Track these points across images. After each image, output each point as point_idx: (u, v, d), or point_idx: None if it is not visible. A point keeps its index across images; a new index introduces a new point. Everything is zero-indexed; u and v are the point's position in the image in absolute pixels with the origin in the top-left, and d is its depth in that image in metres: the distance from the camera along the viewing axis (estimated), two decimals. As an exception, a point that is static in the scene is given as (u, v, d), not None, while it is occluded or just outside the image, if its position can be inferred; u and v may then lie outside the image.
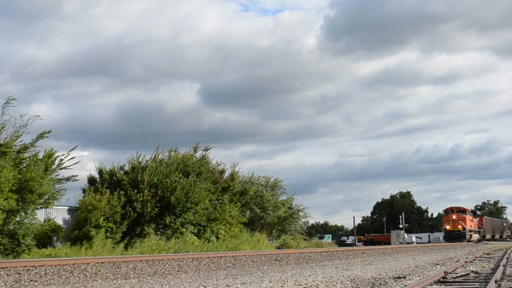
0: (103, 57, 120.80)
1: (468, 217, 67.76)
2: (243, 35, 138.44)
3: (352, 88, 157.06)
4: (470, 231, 67.66)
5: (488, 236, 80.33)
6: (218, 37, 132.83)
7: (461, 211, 67.38)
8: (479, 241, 72.01)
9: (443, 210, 71.55)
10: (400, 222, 74.56)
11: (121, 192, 31.28)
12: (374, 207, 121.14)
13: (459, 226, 64.77)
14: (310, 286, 12.56)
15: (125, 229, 30.82)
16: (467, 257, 26.48)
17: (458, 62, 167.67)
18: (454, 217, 65.83)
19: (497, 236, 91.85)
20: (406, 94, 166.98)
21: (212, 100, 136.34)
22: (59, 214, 30.33)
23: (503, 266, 18.38)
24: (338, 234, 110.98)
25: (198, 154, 40.00)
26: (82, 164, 75.35)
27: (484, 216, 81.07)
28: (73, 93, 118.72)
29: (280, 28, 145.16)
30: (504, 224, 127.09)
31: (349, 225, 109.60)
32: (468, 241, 66.04)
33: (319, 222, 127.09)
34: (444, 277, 14.25)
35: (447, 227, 65.90)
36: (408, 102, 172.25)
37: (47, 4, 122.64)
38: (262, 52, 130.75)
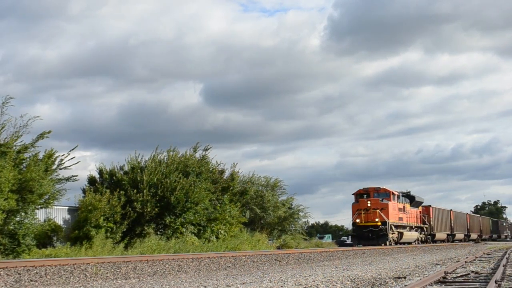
0: (107, 57, 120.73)
1: (394, 204, 42.83)
2: (247, 36, 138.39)
3: (355, 88, 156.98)
4: (399, 226, 43.94)
5: (441, 236, 58.17)
6: (223, 38, 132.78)
7: (382, 193, 42.37)
8: (422, 242, 50.67)
9: (353, 194, 43.96)
10: None
11: (121, 192, 31.28)
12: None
13: (376, 219, 40.07)
14: (310, 286, 12.56)
15: (125, 229, 30.81)
16: (467, 257, 26.48)
17: (461, 62, 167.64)
18: (368, 203, 40.78)
19: (473, 236, 74.33)
20: (409, 94, 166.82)
21: (215, 101, 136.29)
22: (59, 214, 30.33)
23: (503, 266, 18.38)
24: (338, 234, 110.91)
25: (198, 154, 40.02)
26: (85, 164, 75.31)
27: (432, 206, 55.71)
28: (77, 93, 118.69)
29: (284, 28, 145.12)
30: (504, 224, 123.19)
31: (349, 225, 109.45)
32: (397, 243, 42.86)
33: (319, 222, 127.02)
34: (444, 277, 14.25)
35: (357, 220, 40.92)
36: (411, 102, 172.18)
37: (53, 4, 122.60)
38: (265, 52, 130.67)
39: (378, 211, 40.51)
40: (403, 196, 46.67)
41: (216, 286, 12.67)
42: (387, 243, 40.51)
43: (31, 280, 13.22)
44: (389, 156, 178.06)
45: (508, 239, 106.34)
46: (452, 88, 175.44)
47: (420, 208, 52.41)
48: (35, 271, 13.88)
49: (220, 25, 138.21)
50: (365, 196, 42.00)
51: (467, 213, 75.05)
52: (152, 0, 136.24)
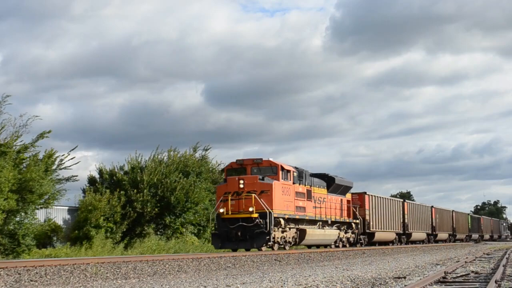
0: (110, 57, 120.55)
1: (286, 186, 27.39)
2: (250, 36, 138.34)
3: (357, 89, 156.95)
4: (300, 221, 28.83)
5: (389, 236, 43.20)
6: (226, 38, 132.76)
7: (265, 168, 27.10)
8: (351, 243, 36.13)
9: (223, 169, 31.39)
10: None
11: (121, 192, 31.29)
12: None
13: (251, 208, 25.28)
14: (310, 286, 12.56)
15: (125, 229, 30.85)
16: (467, 257, 26.48)
17: (463, 62, 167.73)
18: (241, 184, 25.76)
19: (442, 236, 59.48)
20: (411, 94, 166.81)
21: (217, 101, 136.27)
22: (59, 214, 30.35)
23: (503, 266, 18.38)
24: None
25: (198, 154, 40.06)
26: (86, 164, 75.16)
27: (369, 193, 39.69)
28: (79, 94, 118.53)
29: (286, 28, 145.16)
30: (504, 222, 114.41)
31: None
32: (296, 244, 29.31)
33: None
34: (444, 277, 14.25)
35: (221, 210, 25.81)
36: (413, 103, 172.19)
37: (56, 4, 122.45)
38: (268, 52, 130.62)
39: (254, 195, 24.93)
40: (312, 175, 30.86)
41: (216, 286, 12.66)
42: (270, 245, 26.09)
43: (31, 280, 13.22)
44: (390, 156, 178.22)
45: (509, 239, 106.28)
46: (454, 88, 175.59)
47: (349, 195, 36.11)
48: (35, 271, 13.88)
49: (223, 25, 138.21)
50: (236, 170, 26.83)
51: (431, 208, 56.91)
52: (155, 1, 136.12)
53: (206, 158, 40.45)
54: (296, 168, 28.64)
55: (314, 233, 30.27)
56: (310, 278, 14.65)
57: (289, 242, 28.37)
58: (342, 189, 34.89)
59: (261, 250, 25.67)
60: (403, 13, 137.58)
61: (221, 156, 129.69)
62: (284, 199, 26.91)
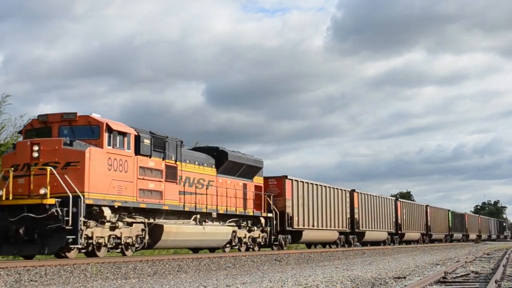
0: (111, 57, 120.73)
1: (118, 155, 18.12)
2: (251, 36, 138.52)
3: (357, 89, 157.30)
4: (151, 212, 19.94)
5: (326, 235, 34.36)
6: (227, 38, 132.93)
7: (81, 128, 17.90)
8: (260, 246, 27.76)
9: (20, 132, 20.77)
10: None
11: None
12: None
13: (43, 191, 16.40)
14: (310, 286, 12.56)
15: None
16: (467, 257, 26.49)
17: (463, 62, 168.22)
18: (35, 152, 16.94)
19: (414, 236, 51.36)
20: (411, 94, 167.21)
21: (218, 101, 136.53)
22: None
23: (503, 266, 18.39)
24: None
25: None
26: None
27: (293, 178, 30.58)
28: (80, 93, 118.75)
29: (288, 28, 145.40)
30: (493, 220, 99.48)
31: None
32: (147, 247, 20.46)
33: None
34: (444, 277, 14.26)
35: None
36: (414, 103, 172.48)
37: (58, 4, 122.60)
38: (269, 52, 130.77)
39: (50, 169, 16.77)
40: (195, 149, 24.59)
41: (216, 286, 12.67)
42: (80, 249, 17.55)
43: (31, 280, 13.22)
44: (391, 156, 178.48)
45: (509, 239, 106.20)
46: (455, 88, 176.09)
47: (260, 180, 27.44)
48: (35, 271, 13.88)
49: (224, 25, 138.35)
50: (39, 134, 18.32)
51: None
52: (156, 1, 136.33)
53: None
54: (146, 132, 19.77)
55: (179, 231, 21.12)
56: (310, 278, 14.65)
57: (130, 245, 19.20)
58: (245, 170, 25.73)
59: (66, 256, 17.42)
60: (404, 13, 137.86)
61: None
62: (111, 177, 17.87)
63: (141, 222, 19.71)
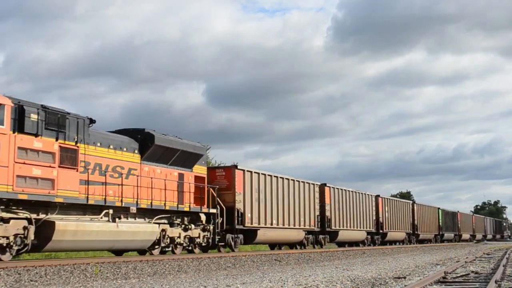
0: (112, 57, 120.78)
1: None
2: (252, 36, 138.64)
3: (358, 89, 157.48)
4: (38, 205, 16.15)
5: (288, 235, 30.17)
6: (227, 38, 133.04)
7: None
8: (202, 248, 23.89)
9: None
10: None
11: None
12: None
13: None
14: (310, 286, 12.56)
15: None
16: (467, 257, 26.49)
17: (464, 62, 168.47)
18: None
19: (398, 236, 46.86)
20: (412, 94, 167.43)
21: (219, 101, 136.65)
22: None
23: (503, 266, 18.40)
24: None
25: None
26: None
27: (245, 169, 26.33)
28: (80, 93, 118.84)
29: (288, 29, 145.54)
30: (489, 220, 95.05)
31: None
32: (34, 251, 16.75)
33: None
34: (444, 277, 14.26)
35: None
36: (414, 103, 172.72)
37: (58, 5, 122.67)
38: (269, 52, 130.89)
39: None
40: (118, 132, 20.46)
41: (216, 286, 12.67)
42: None
43: (31, 280, 13.22)
44: (391, 156, 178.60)
45: (508, 239, 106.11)
46: (455, 89, 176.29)
47: (202, 170, 23.82)
48: (35, 271, 13.89)
49: (225, 25, 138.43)
50: None
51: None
52: (157, 1, 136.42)
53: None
54: (35, 105, 16.25)
55: (80, 230, 17.21)
56: (310, 278, 14.65)
57: (6, 246, 15.44)
58: (180, 158, 21.92)
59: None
60: (404, 13, 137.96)
61: (222, 156, 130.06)
62: None
63: (25, 218, 15.71)
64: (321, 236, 34.32)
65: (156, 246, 20.96)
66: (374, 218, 41.64)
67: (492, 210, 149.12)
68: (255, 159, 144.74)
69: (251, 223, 26.09)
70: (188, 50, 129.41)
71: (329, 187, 35.04)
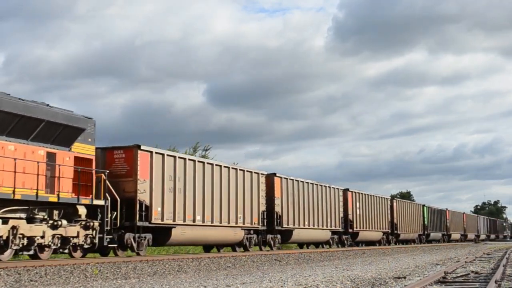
0: (113, 57, 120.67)
1: None
2: (253, 36, 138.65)
3: (358, 89, 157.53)
4: None
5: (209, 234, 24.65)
6: (228, 38, 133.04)
7: None
8: (85, 250, 18.49)
9: None
10: None
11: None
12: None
13: None
14: (310, 286, 12.55)
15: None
16: (467, 257, 26.49)
17: (465, 62, 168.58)
18: None
19: (372, 236, 42.11)
20: (412, 94, 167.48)
21: (219, 101, 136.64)
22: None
23: (503, 266, 18.40)
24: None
25: (198, 154, 40.01)
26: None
27: (150, 150, 20.76)
28: (81, 94, 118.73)
29: (289, 29, 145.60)
30: (483, 218, 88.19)
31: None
32: None
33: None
34: (444, 277, 14.25)
35: None
36: (415, 103, 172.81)
37: (60, 4, 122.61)
38: (270, 53, 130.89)
39: None
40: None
41: (216, 286, 12.67)
42: None
43: (31, 280, 13.22)
44: (391, 156, 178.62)
45: (508, 239, 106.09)
46: (456, 89, 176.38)
47: (89, 149, 18.82)
48: (35, 271, 13.89)
49: (226, 25, 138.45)
50: None
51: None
52: (158, 1, 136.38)
53: (206, 157, 40.48)
54: None
55: None
56: (310, 278, 14.65)
57: None
58: (47, 131, 17.06)
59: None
60: (405, 13, 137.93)
61: (223, 156, 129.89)
62: None
63: None
64: (269, 236, 28.53)
65: (6, 248, 15.69)
66: (341, 215, 36.28)
67: (492, 210, 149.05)
68: (256, 159, 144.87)
69: (162, 219, 21.01)
70: (189, 50, 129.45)
71: (279, 177, 29.28)
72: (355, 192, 39.08)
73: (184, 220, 22.12)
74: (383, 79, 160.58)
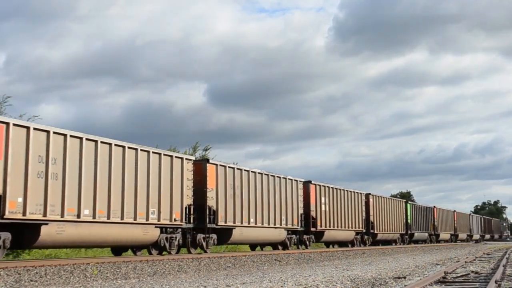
0: (113, 57, 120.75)
1: None
2: (253, 36, 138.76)
3: (359, 89, 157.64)
4: None
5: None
6: (229, 38, 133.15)
7: None
8: None
9: None
10: None
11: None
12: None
13: None
14: (310, 286, 12.55)
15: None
16: (467, 257, 26.50)
17: (465, 63, 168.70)
18: None
19: (341, 236, 36.97)
20: (413, 94, 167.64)
21: (220, 101, 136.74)
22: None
23: (503, 266, 18.39)
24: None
25: (198, 154, 39.99)
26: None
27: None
28: (82, 94, 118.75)
29: (289, 29, 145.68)
30: (475, 216, 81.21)
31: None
32: None
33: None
34: (444, 277, 14.25)
35: None
36: (415, 103, 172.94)
37: (61, 4, 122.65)
38: (271, 53, 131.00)
39: None
40: None
41: (216, 286, 12.66)
42: None
43: (31, 280, 13.22)
44: (391, 156, 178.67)
45: (509, 239, 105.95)
46: (456, 89, 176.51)
47: None
48: (35, 271, 13.88)
49: (226, 25, 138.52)
50: None
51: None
52: (159, 1, 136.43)
53: (205, 158, 40.44)
54: None
55: None
56: (310, 278, 14.65)
57: None
58: None
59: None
60: (405, 13, 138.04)
61: (223, 156, 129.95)
62: None
63: None
64: (200, 236, 23.47)
65: None
66: (301, 211, 31.41)
67: (492, 210, 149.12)
68: (256, 159, 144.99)
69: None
70: (190, 50, 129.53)
71: (214, 164, 24.04)
72: (319, 185, 33.99)
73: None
74: (383, 79, 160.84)
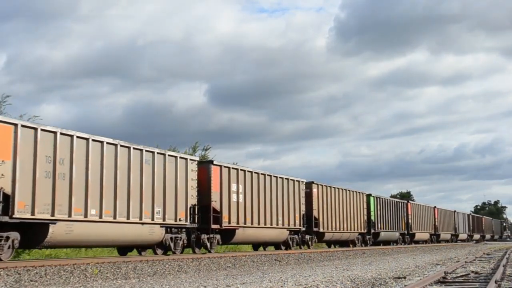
0: (115, 57, 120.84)
1: None
2: (255, 37, 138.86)
3: (360, 89, 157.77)
4: None
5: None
6: (230, 38, 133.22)
7: None
8: None
9: None
10: None
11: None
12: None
13: None
14: (310, 286, 12.55)
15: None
16: (467, 257, 26.50)
17: (466, 63, 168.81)
18: None
19: (268, 236, 27.86)
20: (414, 94, 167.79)
21: (221, 101, 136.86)
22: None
23: (503, 266, 18.40)
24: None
25: (198, 154, 39.97)
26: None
27: None
28: (83, 94, 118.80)
29: (290, 29, 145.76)
30: (464, 215, 71.94)
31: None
32: None
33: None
34: (444, 277, 14.26)
35: None
36: (416, 103, 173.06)
37: (62, 4, 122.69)
38: (272, 53, 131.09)
39: None
40: None
41: (216, 286, 12.66)
42: None
43: (31, 280, 13.22)
44: (392, 156, 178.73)
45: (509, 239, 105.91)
46: (457, 89, 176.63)
47: None
48: (35, 271, 13.88)
49: (228, 26, 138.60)
50: None
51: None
52: (160, 1, 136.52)
53: (206, 158, 40.42)
54: None
55: None
56: (310, 278, 14.65)
57: None
58: None
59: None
60: (406, 13, 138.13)
61: (224, 156, 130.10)
62: None
63: None
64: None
65: None
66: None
67: (492, 210, 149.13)
68: (257, 159, 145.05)
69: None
70: (191, 51, 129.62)
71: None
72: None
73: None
74: (384, 79, 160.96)
